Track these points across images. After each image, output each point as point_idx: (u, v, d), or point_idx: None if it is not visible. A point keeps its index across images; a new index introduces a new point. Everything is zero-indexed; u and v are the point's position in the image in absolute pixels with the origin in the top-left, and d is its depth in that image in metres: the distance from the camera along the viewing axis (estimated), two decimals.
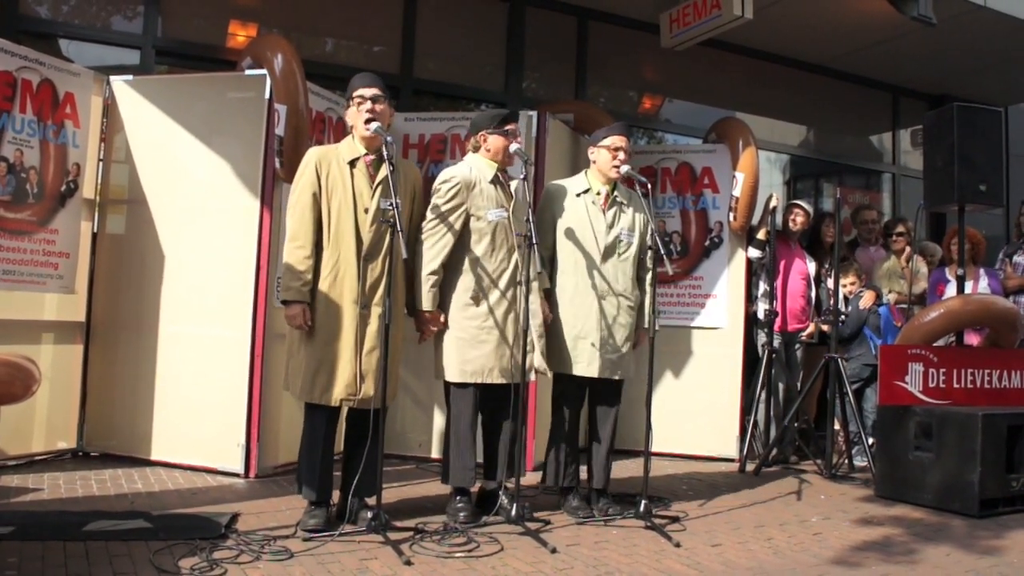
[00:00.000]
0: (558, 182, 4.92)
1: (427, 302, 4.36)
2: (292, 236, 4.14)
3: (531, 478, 5.38)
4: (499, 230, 4.45)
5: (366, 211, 4.13)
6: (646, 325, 4.75)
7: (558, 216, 4.72)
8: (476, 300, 4.41)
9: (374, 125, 4.11)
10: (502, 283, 4.44)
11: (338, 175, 4.14)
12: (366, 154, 4.20)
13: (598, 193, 4.76)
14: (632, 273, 4.79)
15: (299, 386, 4.17)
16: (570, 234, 4.69)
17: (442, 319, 4.44)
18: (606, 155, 4.74)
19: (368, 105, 4.16)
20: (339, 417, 4.32)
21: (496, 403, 4.55)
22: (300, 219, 4.13)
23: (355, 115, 4.20)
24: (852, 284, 6.80)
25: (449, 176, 4.47)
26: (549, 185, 4.92)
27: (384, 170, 4.11)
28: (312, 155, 4.21)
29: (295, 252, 4.11)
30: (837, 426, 6.32)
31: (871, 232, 7.50)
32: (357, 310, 4.12)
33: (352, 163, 4.17)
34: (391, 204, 4.00)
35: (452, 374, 4.45)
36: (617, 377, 4.72)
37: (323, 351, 4.11)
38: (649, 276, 4.70)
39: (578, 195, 4.75)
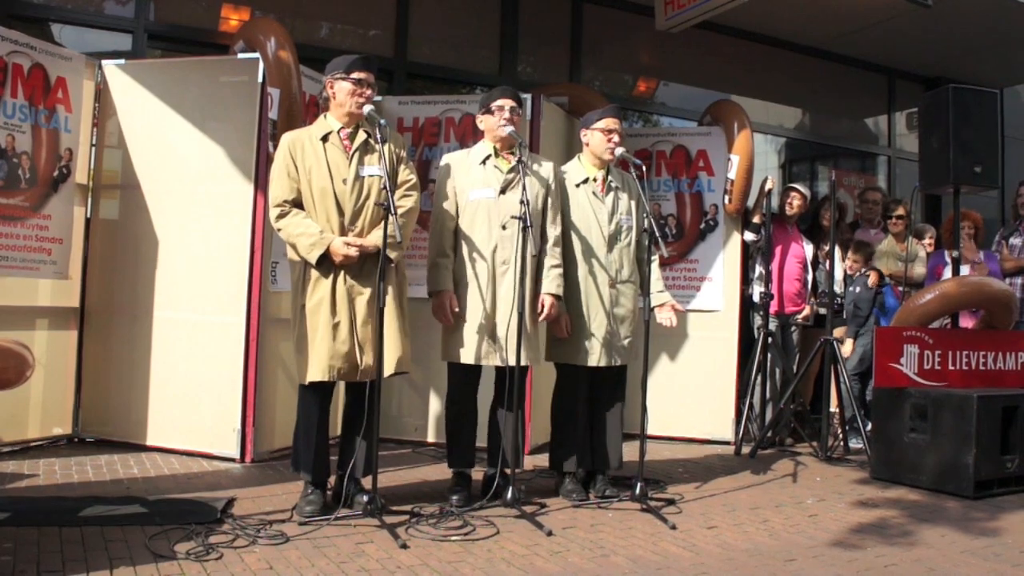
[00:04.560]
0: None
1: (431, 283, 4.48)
2: (279, 212, 4.11)
3: (527, 461, 5.39)
4: (482, 209, 4.46)
5: (344, 181, 4.12)
6: (652, 305, 4.75)
7: (564, 208, 4.70)
8: (459, 279, 4.47)
9: (367, 108, 4.13)
10: (483, 264, 4.44)
11: (311, 152, 4.13)
12: (341, 128, 4.20)
13: (595, 179, 4.75)
14: (633, 257, 4.79)
15: (302, 368, 4.12)
16: (575, 225, 4.68)
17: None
18: (600, 137, 4.73)
19: (369, 92, 4.17)
20: (332, 397, 4.31)
21: (497, 386, 4.56)
22: (281, 194, 4.12)
23: (349, 94, 4.15)
24: (855, 262, 6.77)
25: (441, 161, 4.63)
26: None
27: (359, 138, 4.17)
28: (284, 140, 4.22)
29: (291, 219, 4.09)
30: (833, 408, 6.33)
31: (872, 213, 7.49)
32: (347, 282, 4.10)
33: (324, 138, 4.16)
34: (371, 174, 4.11)
35: (442, 353, 4.52)
36: (622, 363, 4.74)
37: (319, 327, 4.06)
38: (648, 257, 4.70)
39: (577, 185, 4.74)
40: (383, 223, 4.00)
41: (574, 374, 4.71)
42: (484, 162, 4.52)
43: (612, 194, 4.75)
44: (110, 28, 6.68)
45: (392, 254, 4.06)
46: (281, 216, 4.11)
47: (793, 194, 6.82)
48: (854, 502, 4.87)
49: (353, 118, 4.19)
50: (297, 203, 4.13)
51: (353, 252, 4.02)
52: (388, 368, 4.09)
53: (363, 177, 4.14)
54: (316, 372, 4.06)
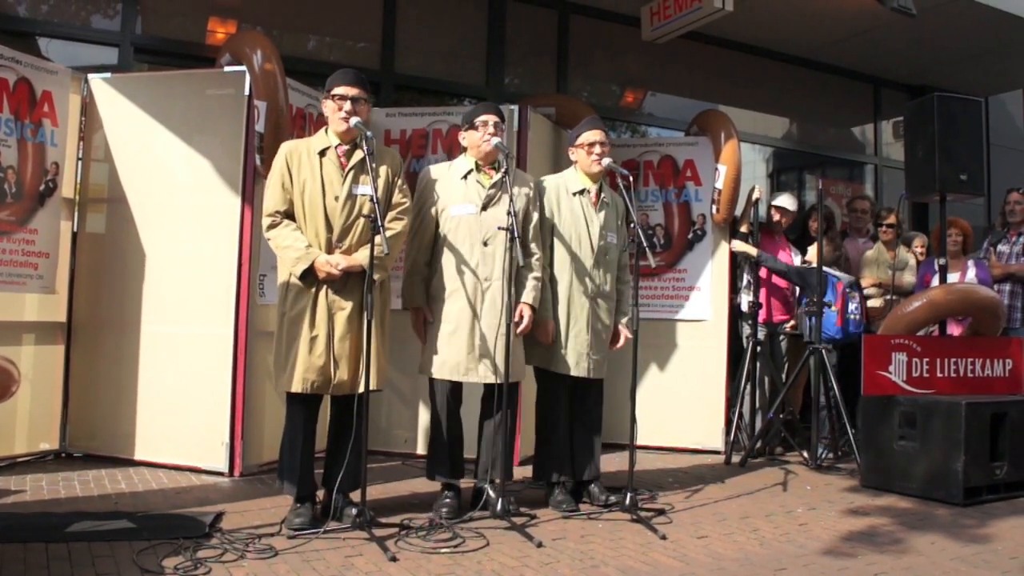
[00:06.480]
0: (552, 177, 4.90)
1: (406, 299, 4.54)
2: (271, 222, 4.14)
3: (516, 472, 5.37)
4: (463, 225, 4.46)
5: (336, 198, 4.12)
6: (625, 320, 4.79)
7: (555, 213, 4.71)
8: (439, 295, 4.47)
9: (354, 120, 4.11)
10: (464, 280, 4.43)
11: (308, 165, 4.15)
12: (339, 144, 4.20)
13: (589, 191, 4.77)
14: (614, 274, 4.81)
15: (278, 378, 4.17)
16: (567, 234, 4.69)
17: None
18: (583, 153, 4.75)
19: (348, 106, 4.14)
20: (319, 410, 4.30)
21: (484, 400, 4.56)
22: (273, 204, 4.15)
23: (333, 111, 4.18)
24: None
25: (422, 172, 4.64)
26: (545, 179, 4.89)
27: (356, 156, 4.16)
28: (282, 149, 4.24)
29: (281, 230, 4.12)
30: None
31: (860, 222, 7.50)
32: (328, 296, 4.11)
33: (322, 152, 4.17)
34: (364, 193, 4.10)
35: (428, 368, 4.51)
36: (596, 376, 4.75)
37: (297, 339, 4.09)
38: (627, 275, 4.72)
39: (574, 194, 4.75)
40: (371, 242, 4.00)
41: (554, 383, 4.72)
42: (466, 177, 4.52)
43: (605, 210, 4.77)
44: (97, 42, 6.66)
45: (377, 274, 4.06)
46: (272, 226, 4.14)
47: (779, 211, 6.85)
48: (844, 510, 4.87)
49: (344, 135, 4.19)
50: (289, 214, 4.15)
51: (336, 272, 4.04)
52: (362, 384, 4.10)
53: (355, 195, 4.15)
54: (291, 383, 4.08)
